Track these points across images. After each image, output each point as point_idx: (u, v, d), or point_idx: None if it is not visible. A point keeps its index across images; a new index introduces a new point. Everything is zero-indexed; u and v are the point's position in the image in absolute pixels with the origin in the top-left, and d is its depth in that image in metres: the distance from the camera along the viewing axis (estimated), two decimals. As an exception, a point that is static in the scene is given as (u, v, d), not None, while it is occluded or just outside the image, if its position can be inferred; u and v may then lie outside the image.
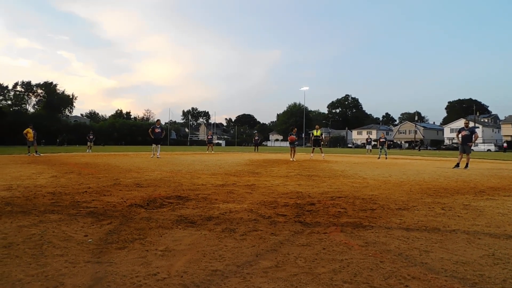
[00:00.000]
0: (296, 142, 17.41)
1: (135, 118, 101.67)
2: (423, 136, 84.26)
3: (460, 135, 13.03)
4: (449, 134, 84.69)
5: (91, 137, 25.73)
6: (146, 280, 2.19)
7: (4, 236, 3.09)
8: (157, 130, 17.55)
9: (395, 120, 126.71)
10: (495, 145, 65.39)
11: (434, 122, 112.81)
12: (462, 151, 12.92)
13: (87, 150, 24.76)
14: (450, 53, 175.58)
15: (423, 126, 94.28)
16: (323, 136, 17.48)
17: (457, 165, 12.70)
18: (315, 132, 19.18)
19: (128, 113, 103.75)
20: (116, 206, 4.51)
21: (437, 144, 77.68)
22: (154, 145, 17.53)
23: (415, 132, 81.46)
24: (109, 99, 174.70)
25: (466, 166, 12.48)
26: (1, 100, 58.30)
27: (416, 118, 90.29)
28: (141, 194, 5.46)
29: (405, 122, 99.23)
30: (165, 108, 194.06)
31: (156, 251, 2.76)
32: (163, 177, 8.00)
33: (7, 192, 5.51)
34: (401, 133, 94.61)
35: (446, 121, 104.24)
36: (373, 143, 35.21)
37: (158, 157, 16.63)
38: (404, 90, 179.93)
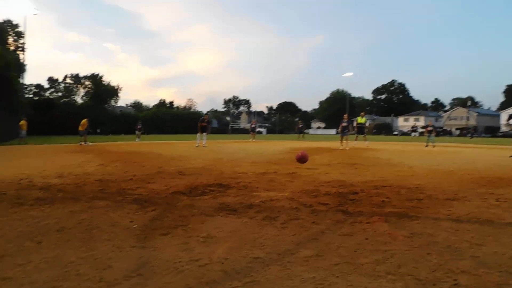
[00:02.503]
0: (347, 130, 16.98)
1: (177, 107, 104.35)
2: (477, 123, 79.21)
3: None
4: (506, 120, 78.93)
5: (139, 127, 26.74)
6: (188, 266, 2.27)
7: (57, 220, 3.32)
8: (204, 124, 18.15)
9: (445, 106, 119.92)
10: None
11: (489, 108, 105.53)
12: None
13: (136, 139, 25.82)
14: (508, 31, 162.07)
15: (476, 112, 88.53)
16: (367, 123, 16.94)
17: None
18: (359, 119, 18.67)
19: (171, 103, 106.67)
20: (160, 193, 4.69)
21: (493, 131, 72.66)
22: (199, 134, 17.96)
23: (467, 118, 76.80)
24: (152, 89, 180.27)
25: None
26: (53, 92, 62.12)
27: (468, 103, 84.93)
28: (183, 182, 5.63)
29: (457, 108, 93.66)
30: (207, 97, 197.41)
31: (198, 237, 2.84)
32: (205, 165, 8.19)
33: (59, 179, 5.91)
34: (451, 119, 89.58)
35: (503, 106, 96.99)
36: (419, 130, 33.66)
37: (204, 146, 16.87)
38: (455, 73, 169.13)
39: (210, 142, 22.08)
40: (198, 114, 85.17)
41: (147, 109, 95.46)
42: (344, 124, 16.83)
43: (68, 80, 64.45)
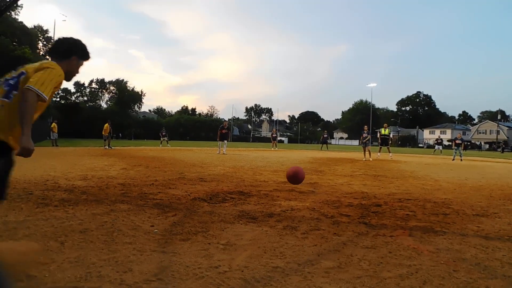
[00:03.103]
0: (368, 141, 16.79)
1: (199, 114, 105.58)
2: (507, 137, 76.28)
3: None
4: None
5: (163, 133, 27.29)
6: (208, 272, 2.26)
7: (80, 222, 3.38)
8: (224, 131, 18.17)
9: (474, 119, 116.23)
10: None
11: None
12: None
13: (160, 145, 26.28)
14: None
15: (507, 126, 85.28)
16: (391, 135, 16.63)
17: None
18: (382, 131, 18.36)
19: (193, 109, 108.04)
20: (181, 199, 4.72)
21: (524, 146, 69.75)
22: (220, 142, 18.05)
23: (498, 132, 74.08)
24: (175, 96, 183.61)
25: None
26: (78, 96, 63.93)
27: (499, 117, 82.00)
28: (204, 189, 5.65)
29: (486, 121, 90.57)
30: (228, 104, 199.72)
31: (218, 244, 2.83)
32: (226, 173, 8.21)
33: (83, 181, 6.05)
34: (480, 133, 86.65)
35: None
36: (444, 143, 32.77)
37: (224, 153, 16.99)
38: (484, 86, 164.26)
39: (231, 150, 22.22)
40: (219, 121, 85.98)
41: (169, 115, 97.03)
42: (365, 135, 16.64)
43: (93, 85, 66.20)
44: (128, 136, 50.69)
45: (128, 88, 64.33)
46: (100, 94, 66.83)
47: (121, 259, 2.44)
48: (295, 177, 5.85)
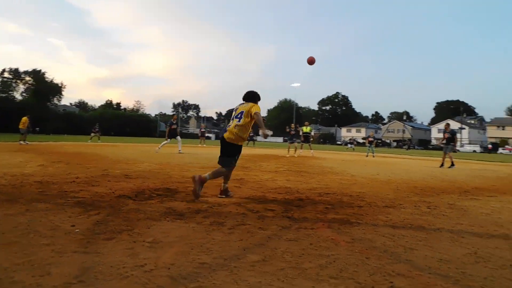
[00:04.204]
0: (294, 138, 17.47)
1: (125, 109, 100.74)
2: (411, 136, 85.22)
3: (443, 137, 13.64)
4: (436, 134, 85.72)
5: (96, 129, 25.64)
6: (133, 271, 2.18)
7: (-12, 224, 3.03)
8: (174, 127, 15.88)
9: (384, 119, 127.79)
10: (481, 146, 66.71)
11: (422, 122, 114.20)
12: (444, 151, 13.60)
13: (89, 140, 24.57)
14: (439, 56, 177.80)
15: (411, 126, 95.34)
16: (312, 132, 17.65)
17: (442, 165, 13.09)
18: (304, 129, 19.29)
19: (118, 104, 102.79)
20: (104, 196, 4.47)
21: (425, 144, 78.70)
22: (167, 140, 15.62)
23: (403, 131, 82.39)
24: (99, 89, 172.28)
25: (451, 165, 12.81)
26: (-14, 86, 56.95)
27: (404, 118, 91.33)
28: (129, 186, 5.42)
29: (394, 121, 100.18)
30: (155, 99, 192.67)
31: (144, 242, 2.75)
32: (152, 169, 7.95)
33: (-8, 180, 5.41)
34: (389, 132, 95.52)
35: (434, 121, 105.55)
36: (355, 142, 36.43)
37: (180, 152, 14.96)
38: (393, 89, 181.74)
39: (156, 146, 21.47)
40: (146, 117, 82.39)
41: (92, 109, 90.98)
42: (293, 132, 17.39)
43: (6, 75, 59.21)
44: (46, 131, 46.20)
45: (47, 79, 58.75)
46: (13, 84, 59.84)
47: (38, 262, 2.24)
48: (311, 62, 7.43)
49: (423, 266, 2.49)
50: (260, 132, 4.66)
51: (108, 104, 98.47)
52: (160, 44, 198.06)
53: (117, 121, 64.92)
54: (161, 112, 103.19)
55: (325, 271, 2.33)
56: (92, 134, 25.41)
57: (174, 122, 15.98)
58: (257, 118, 4.62)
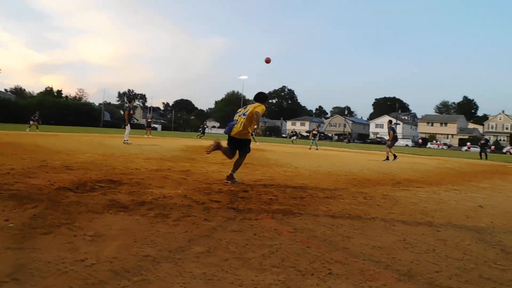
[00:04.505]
0: None
1: (66, 97, 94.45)
2: (351, 130, 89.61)
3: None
4: (374, 129, 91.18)
5: (36, 117, 23.54)
6: (73, 266, 2.09)
7: None
8: (132, 112, 14.99)
9: (327, 113, 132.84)
10: (412, 141, 72.44)
11: (361, 117, 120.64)
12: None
13: (28, 129, 22.50)
14: (379, 54, 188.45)
15: (351, 120, 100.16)
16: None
17: (387, 158, 13.86)
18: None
19: (59, 92, 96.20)
20: (42, 189, 4.18)
21: (363, 138, 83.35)
22: (129, 129, 14.70)
23: (345, 125, 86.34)
24: (39, 75, 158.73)
25: (386, 159, 13.73)
26: None
27: (346, 113, 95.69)
28: (70, 177, 5.12)
29: (336, 116, 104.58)
30: (100, 88, 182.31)
31: (84, 236, 2.63)
32: (94, 160, 7.56)
33: None
34: (332, 126, 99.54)
35: (372, 116, 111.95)
36: (299, 135, 38.12)
37: (126, 143, 14.15)
38: (336, 85, 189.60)
39: (99, 136, 20.45)
40: (89, 106, 77.75)
41: (31, 96, 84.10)
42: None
43: None
44: None
45: (-23, 62, 52.93)
46: None
47: (-36, 261, 2.06)
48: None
49: (358, 253, 2.67)
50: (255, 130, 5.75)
51: (48, 92, 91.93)
52: (106, 32, 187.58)
53: (57, 110, 60.62)
54: (105, 101, 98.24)
55: (268, 260, 2.41)
56: (31, 123, 23.42)
57: (131, 107, 15.39)
58: (256, 117, 5.40)
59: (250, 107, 5.54)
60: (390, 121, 14.89)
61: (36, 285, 1.83)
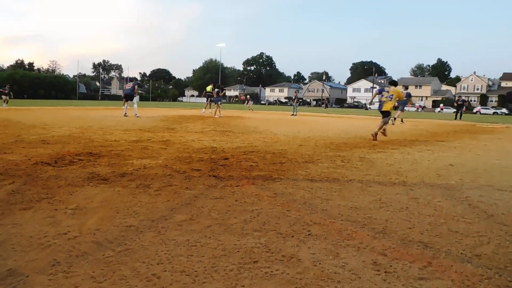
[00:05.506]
0: (219, 98, 17.26)
1: (38, 69, 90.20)
2: (329, 95, 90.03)
3: None
4: (351, 93, 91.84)
5: (6, 91, 22.30)
6: (55, 240, 2.10)
7: None
8: (127, 86, 14.50)
9: (305, 79, 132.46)
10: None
11: (339, 82, 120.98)
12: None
13: (3, 104, 21.41)
14: (356, 18, 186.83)
15: (329, 86, 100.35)
16: (214, 92, 17.62)
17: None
18: (208, 88, 19.49)
19: (31, 64, 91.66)
20: (19, 164, 4.09)
21: (341, 103, 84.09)
22: (125, 102, 14.42)
23: (322, 91, 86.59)
24: (8, 48, 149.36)
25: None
26: None
27: (323, 78, 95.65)
28: (48, 152, 5.01)
29: (314, 81, 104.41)
30: (73, 60, 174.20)
31: (66, 209, 2.63)
32: (72, 133, 7.39)
33: None
34: (310, 91, 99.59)
35: (349, 81, 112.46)
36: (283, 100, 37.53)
37: (137, 116, 13.77)
38: (314, 50, 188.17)
39: (75, 110, 19.80)
40: (63, 78, 74.74)
41: (1, 70, 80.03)
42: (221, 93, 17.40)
43: None
44: None
45: None
46: None
47: None
48: None
49: (336, 214, 2.78)
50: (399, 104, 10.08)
51: (19, 64, 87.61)
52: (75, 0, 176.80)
53: (30, 83, 58.06)
54: (80, 73, 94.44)
55: (249, 225, 2.48)
56: (4, 97, 22.23)
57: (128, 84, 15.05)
58: (399, 97, 8.55)
59: (392, 92, 8.26)
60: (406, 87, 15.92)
61: (19, 260, 1.84)
